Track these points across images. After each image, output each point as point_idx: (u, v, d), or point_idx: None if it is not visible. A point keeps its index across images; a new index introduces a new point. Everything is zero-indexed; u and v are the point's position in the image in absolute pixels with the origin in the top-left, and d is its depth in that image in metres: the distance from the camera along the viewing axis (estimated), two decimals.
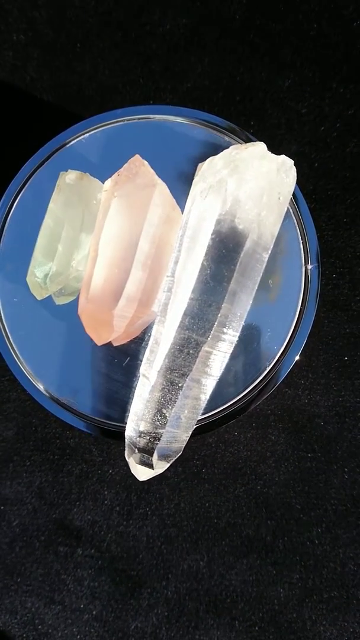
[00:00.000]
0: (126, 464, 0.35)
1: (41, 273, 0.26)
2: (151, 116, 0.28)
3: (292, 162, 0.23)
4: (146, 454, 0.24)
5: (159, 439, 0.24)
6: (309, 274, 0.27)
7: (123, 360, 0.27)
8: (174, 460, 0.25)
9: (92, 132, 0.28)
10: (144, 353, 0.26)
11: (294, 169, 0.24)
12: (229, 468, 0.35)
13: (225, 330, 0.23)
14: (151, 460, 0.24)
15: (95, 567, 0.35)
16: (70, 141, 0.28)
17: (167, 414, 0.23)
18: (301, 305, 0.27)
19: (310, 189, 0.35)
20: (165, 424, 0.24)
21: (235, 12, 0.37)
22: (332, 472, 0.34)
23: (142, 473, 0.24)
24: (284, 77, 0.36)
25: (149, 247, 0.25)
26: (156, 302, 0.26)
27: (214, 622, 0.34)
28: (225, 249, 0.22)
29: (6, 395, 0.36)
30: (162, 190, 0.25)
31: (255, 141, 0.25)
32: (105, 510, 0.35)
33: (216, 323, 0.23)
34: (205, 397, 0.24)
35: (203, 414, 0.27)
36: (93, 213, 0.26)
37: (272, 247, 0.24)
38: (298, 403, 0.35)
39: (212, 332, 0.23)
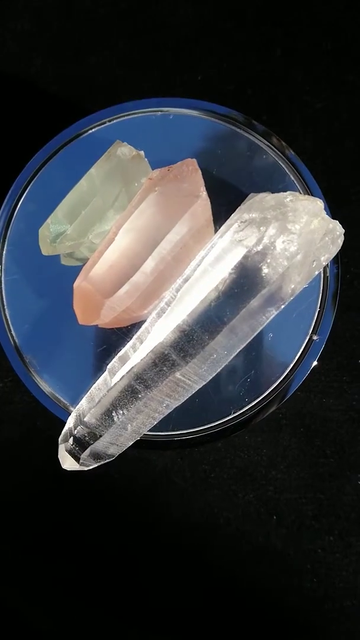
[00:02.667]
0: (133, 469, 0.34)
1: (55, 231, 0.24)
2: (164, 109, 0.27)
3: (343, 231, 0.22)
4: (79, 446, 0.23)
5: (97, 439, 0.22)
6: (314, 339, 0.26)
7: None
8: (104, 462, 0.23)
9: (104, 124, 0.27)
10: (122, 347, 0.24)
11: (342, 238, 0.22)
12: (239, 473, 0.34)
13: (203, 366, 0.22)
14: (80, 455, 0.23)
15: (101, 573, 0.34)
16: (82, 133, 0.27)
17: (115, 418, 0.22)
18: (319, 309, 0.25)
19: (325, 186, 0.34)
20: (110, 426, 0.22)
21: (249, 3, 0.36)
22: (345, 478, 0.33)
23: (68, 463, 0.23)
24: (299, 71, 0.35)
25: (167, 253, 0.23)
26: (150, 308, 0.25)
27: (222, 631, 0.33)
28: (239, 288, 0.21)
29: (10, 397, 0.35)
30: (203, 203, 0.24)
31: (315, 195, 0.23)
32: (111, 516, 0.34)
33: (199, 355, 0.22)
34: (160, 417, 0.23)
35: (216, 420, 0.26)
36: (130, 194, 0.25)
37: (284, 306, 0.22)
38: (310, 407, 0.34)
39: (192, 361, 0.22)
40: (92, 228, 0.25)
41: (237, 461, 0.34)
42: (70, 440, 0.23)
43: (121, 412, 0.22)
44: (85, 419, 0.22)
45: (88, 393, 0.23)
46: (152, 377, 0.22)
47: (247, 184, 0.27)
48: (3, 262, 0.27)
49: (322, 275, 0.26)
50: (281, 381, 0.26)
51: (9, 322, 0.27)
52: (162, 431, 0.26)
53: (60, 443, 0.23)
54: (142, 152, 0.25)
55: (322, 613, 0.33)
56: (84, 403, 0.23)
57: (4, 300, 0.27)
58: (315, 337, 0.25)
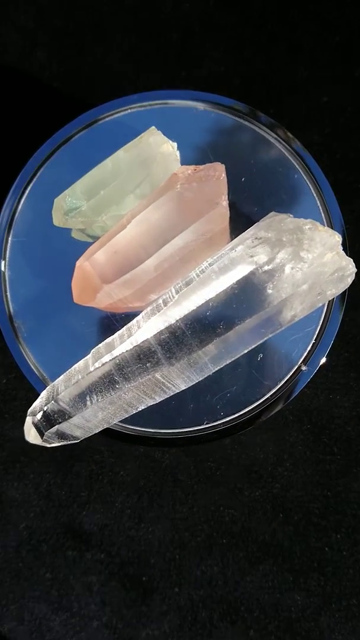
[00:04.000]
0: (139, 465, 0.34)
1: (70, 205, 0.24)
2: (169, 101, 0.27)
3: (355, 270, 0.21)
4: (46, 422, 0.22)
5: (65, 419, 0.22)
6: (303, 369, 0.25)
7: None
8: (67, 443, 0.23)
9: (107, 118, 0.27)
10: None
11: (352, 277, 0.21)
12: (245, 470, 0.33)
13: (186, 371, 0.22)
14: (46, 431, 0.22)
15: (105, 572, 0.33)
16: (85, 128, 0.27)
17: (88, 403, 0.22)
18: (327, 306, 0.25)
19: (331, 181, 0.34)
20: (81, 409, 0.22)
21: None
22: (352, 476, 0.33)
23: (32, 436, 0.23)
24: (304, 65, 0.35)
25: (175, 253, 0.23)
26: (146, 302, 0.25)
27: (228, 631, 0.33)
28: (239, 303, 0.20)
29: (13, 393, 0.34)
30: (221, 212, 0.23)
31: (334, 228, 0.23)
32: (116, 513, 0.34)
33: (184, 360, 0.21)
34: (132, 411, 0.23)
35: (223, 417, 0.25)
36: (152, 184, 0.24)
37: (279, 332, 0.22)
38: (317, 403, 0.33)
39: (176, 364, 0.21)
40: (107, 209, 0.24)
41: (243, 458, 0.33)
42: (40, 415, 0.22)
43: (95, 398, 0.22)
44: (58, 397, 0.22)
45: (67, 372, 0.23)
46: (133, 371, 0.21)
47: (252, 176, 0.27)
48: (14, 223, 0.27)
49: None
50: (288, 379, 0.25)
51: (7, 283, 0.26)
52: (168, 428, 0.25)
53: (29, 415, 0.23)
54: (174, 144, 0.25)
55: (329, 611, 0.32)
56: (61, 380, 0.23)
57: (7, 259, 0.26)
58: (304, 368, 0.25)
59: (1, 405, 0.34)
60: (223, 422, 0.26)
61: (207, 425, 0.26)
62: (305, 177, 0.27)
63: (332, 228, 0.26)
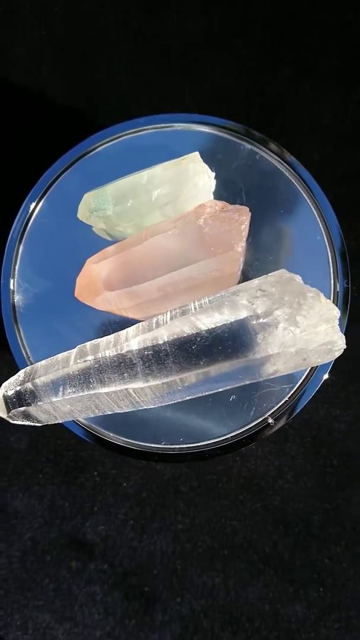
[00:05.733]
0: (141, 477, 0.34)
1: (97, 205, 0.25)
2: (175, 125, 0.27)
3: (344, 347, 0.22)
4: (16, 399, 0.23)
5: (35, 402, 0.23)
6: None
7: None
8: (30, 424, 0.24)
9: (115, 140, 0.27)
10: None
11: (340, 353, 0.22)
12: (246, 483, 0.34)
13: (159, 392, 0.22)
14: (13, 408, 0.23)
15: (108, 582, 0.34)
16: (93, 149, 0.27)
17: (60, 394, 0.23)
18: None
19: (332, 198, 0.35)
20: (52, 397, 0.23)
21: (257, 14, 0.36)
22: (352, 489, 0.33)
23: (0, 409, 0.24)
24: (307, 83, 0.35)
25: (182, 282, 0.23)
26: (140, 317, 0.25)
27: None
28: (225, 343, 0.21)
29: None
30: (234, 256, 0.24)
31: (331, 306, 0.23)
32: (119, 524, 0.34)
33: (161, 381, 0.22)
34: (99, 414, 0.24)
35: (226, 434, 0.26)
36: (180, 206, 0.25)
37: (257, 382, 0.22)
38: (317, 417, 0.34)
39: (152, 382, 0.22)
40: (131, 219, 0.25)
41: (244, 471, 0.34)
42: (12, 392, 0.23)
43: (68, 391, 0.23)
44: (35, 379, 0.23)
45: (51, 358, 0.24)
46: (110, 377, 0.22)
47: (251, 192, 0.27)
48: (41, 203, 0.27)
49: (332, 289, 0.26)
50: (291, 395, 0.26)
51: (18, 256, 0.27)
52: (174, 444, 0.26)
53: (2, 388, 0.24)
54: (212, 174, 0.25)
55: (328, 623, 0.33)
56: (41, 365, 0.24)
57: (24, 236, 0.27)
58: (270, 421, 0.26)
59: None
60: (226, 438, 0.26)
61: (210, 441, 0.26)
62: (300, 189, 0.27)
63: (335, 255, 0.27)
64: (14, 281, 0.27)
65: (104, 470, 0.34)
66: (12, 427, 0.35)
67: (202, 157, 0.25)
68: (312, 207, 0.28)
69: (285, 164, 0.28)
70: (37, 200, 0.27)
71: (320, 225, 0.28)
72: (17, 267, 0.27)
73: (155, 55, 0.36)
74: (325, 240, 0.27)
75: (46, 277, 0.27)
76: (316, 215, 0.28)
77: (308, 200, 0.28)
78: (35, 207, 0.27)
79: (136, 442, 0.26)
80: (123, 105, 0.36)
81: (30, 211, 0.27)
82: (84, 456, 0.34)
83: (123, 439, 0.26)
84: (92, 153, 0.28)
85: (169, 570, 0.34)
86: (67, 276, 0.26)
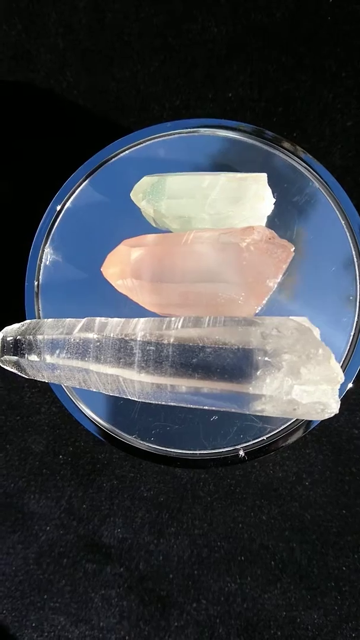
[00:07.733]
0: (159, 481, 0.34)
1: (152, 193, 0.25)
2: (200, 130, 0.27)
3: (336, 412, 0.22)
4: (13, 348, 0.24)
5: (30, 355, 0.24)
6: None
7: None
8: (16, 372, 0.25)
9: (139, 145, 0.27)
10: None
11: (332, 415, 0.22)
12: (264, 489, 0.34)
13: (147, 389, 0.23)
14: (7, 355, 0.24)
15: (124, 585, 0.34)
16: (117, 154, 0.27)
17: (55, 356, 0.23)
18: (355, 330, 0.26)
19: (356, 203, 0.34)
20: (46, 356, 0.23)
21: (280, 21, 0.36)
22: None
23: None
24: (329, 88, 0.35)
25: (205, 295, 0.24)
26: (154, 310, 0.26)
27: None
28: (224, 366, 0.21)
29: (36, 407, 0.35)
30: (264, 290, 0.24)
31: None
32: (136, 528, 0.34)
33: (151, 377, 0.22)
34: (84, 387, 0.24)
35: (248, 441, 0.26)
36: (226, 222, 0.25)
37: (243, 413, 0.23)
38: (336, 423, 0.34)
39: (142, 376, 0.22)
40: (180, 216, 0.25)
41: (262, 477, 0.34)
42: (11, 339, 0.24)
43: (62, 355, 0.23)
44: (37, 334, 0.24)
45: (58, 320, 0.24)
46: (106, 358, 0.23)
47: (303, 229, 0.27)
48: (82, 186, 0.28)
49: (358, 295, 0.26)
50: (268, 437, 0.26)
51: (52, 235, 0.27)
52: (197, 449, 0.26)
53: (2, 333, 0.25)
54: (273, 200, 0.25)
55: (346, 630, 0.33)
56: (48, 323, 0.24)
57: (61, 215, 0.28)
58: (241, 453, 0.26)
59: (25, 419, 0.35)
60: (247, 445, 0.26)
61: (230, 448, 0.26)
62: (320, 187, 0.27)
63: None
64: (43, 254, 0.27)
65: (122, 473, 0.34)
66: (30, 428, 0.35)
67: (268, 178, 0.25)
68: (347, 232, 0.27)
69: (302, 161, 0.27)
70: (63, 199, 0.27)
71: (351, 243, 0.27)
72: (53, 230, 0.28)
73: (179, 61, 0.36)
74: (354, 255, 0.27)
75: (78, 250, 0.27)
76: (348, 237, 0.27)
77: (324, 193, 0.27)
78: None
79: (157, 447, 0.26)
80: (146, 109, 0.36)
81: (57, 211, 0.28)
82: (102, 459, 0.35)
83: (144, 443, 0.26)
84: (140, 146, 0.28)
85: (185, 575, 0.34)
86: (99, 252, 0.26)
